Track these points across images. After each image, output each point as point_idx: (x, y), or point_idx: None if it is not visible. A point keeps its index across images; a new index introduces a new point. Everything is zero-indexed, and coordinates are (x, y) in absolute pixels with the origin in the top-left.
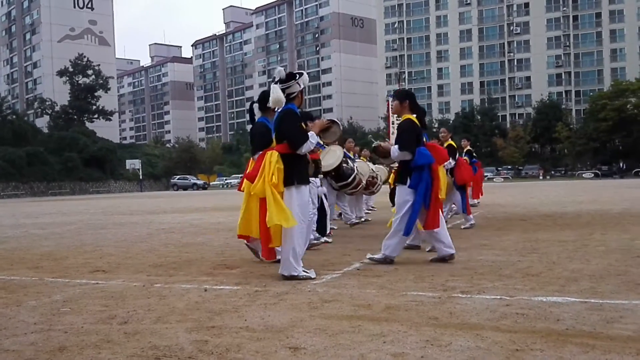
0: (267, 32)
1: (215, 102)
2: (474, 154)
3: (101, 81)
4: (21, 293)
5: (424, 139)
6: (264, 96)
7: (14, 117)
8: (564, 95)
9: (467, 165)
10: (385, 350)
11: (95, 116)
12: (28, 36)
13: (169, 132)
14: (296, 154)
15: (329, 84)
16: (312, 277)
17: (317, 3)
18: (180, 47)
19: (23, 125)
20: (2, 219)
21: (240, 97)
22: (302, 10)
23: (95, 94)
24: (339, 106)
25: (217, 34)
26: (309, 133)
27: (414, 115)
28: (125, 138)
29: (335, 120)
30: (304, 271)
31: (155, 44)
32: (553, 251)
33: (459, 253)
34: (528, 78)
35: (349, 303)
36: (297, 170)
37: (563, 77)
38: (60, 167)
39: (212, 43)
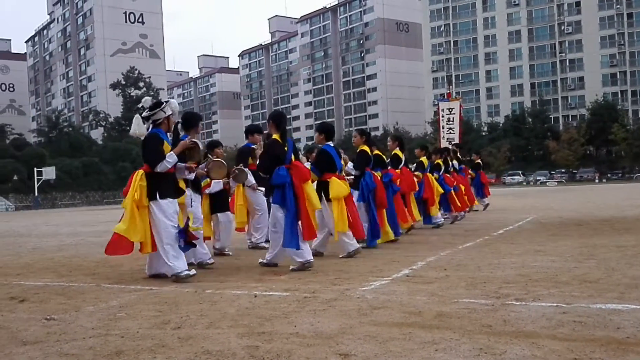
0: (312, 40)
1: (262, 111)
2: (462, 163)
3: (152, 93)
4: (79, 299)
5: (292, 156)
6: (186, 117)
7: (71, 129)
8: (619, 96)
9: (409, 175)
10: (438, 358)
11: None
12: (83, 51)
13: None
14: (159, 172)
15: (374, 89)
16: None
17: (361, 9)
18: (228, 57)
19: (79, 137)
20: (60, 227)
21: (286, 105)
22: (346, 17)
23: None
24: (385, 112)
25: (263, 44)
26: (167, 153)
27: (279, 134)
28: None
29: (196, 141)
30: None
31: (204, 55)
32: (611, 257)
33: (511, 259)
34: (581, 78)
35: (399, 310)
36: (159, 186)
37: (618, 76)
38: (114, 176)
39: (258, 53)
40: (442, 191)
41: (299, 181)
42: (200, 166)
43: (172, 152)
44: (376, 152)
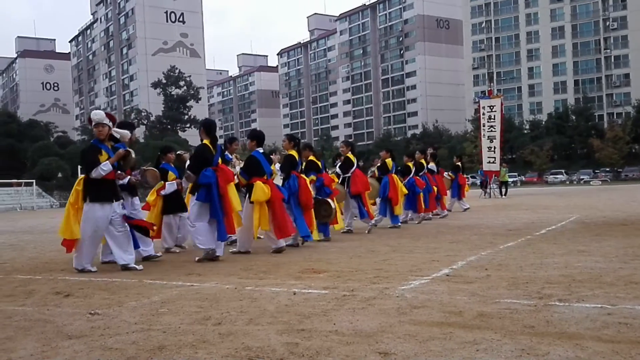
0: (350, 37)
1: (300, 109)
2: (434, 167)
3: (192, 92)
4: (122, 294)
5: (220, 159)
6: (120, 126)
7: None
8: None
9: (362, 177)
10: (479, 358)
11: (187, 125)
12: (125, 50)
13: None
14: (93, 178)
15: (414, 87)
16: (93, 270)
17: (401, 6)
18: (267, 56)
19: None
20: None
21: (325, 104)
22: (385, 14)
23: (187, 104)
24: (424, 109)
25: (302, 42)
26: (102, 162)
27: (209, 140)
28: None
29: (130, 150)
30: (90, 267)
31: (243, 54)
32: None
33: (554, 260)
34: (627, 75)
35: (439, 309)
36: (91, 191)
37: None
38: None
39: (297, 51)
40: (406, 192)
41: (223, 182)
42: (133, 173)
43: (107, 161)
44: (311, 157)
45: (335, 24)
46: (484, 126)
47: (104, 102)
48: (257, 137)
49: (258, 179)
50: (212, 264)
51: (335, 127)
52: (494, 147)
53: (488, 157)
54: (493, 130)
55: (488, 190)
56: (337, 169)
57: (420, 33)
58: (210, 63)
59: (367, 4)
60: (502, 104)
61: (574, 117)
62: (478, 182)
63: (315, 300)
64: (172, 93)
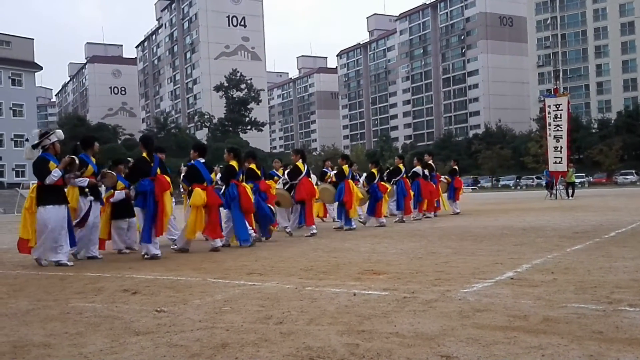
0: (410, 37)
1: (360, 110)
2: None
3: (253, 94)
4: (187, 292)
5: (159, 170)
6: (84, 139)
7: (177, 130)
8: None
9: (307, 184)
10: None
11: (248, 127)
12: (188, 55)
13: (315, 140)
14: (45, 184)
15: (475, 86)
16: (70, 264)
17: (462, 4)
18: (326, 58)
19: (185, 137)
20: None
21: (384, 104)
22: (447, 12)
23: (248, 106)
24: (486, 109)
25: (361, 43)
26: (53, 170)
27: (146, 153)
28: (275, 147)
29: (74, 157)
30: (67, 261)
31: (302, 56)
32: None
33: (624, 263)
34: None
35: (503, 313)
36: (44, 196)
37: None
38: None
39: (357, 52)
40: (362, 196)
41: (159, 190)
42: (97, 178)
43: (56, 168)
44: (251, 165)
45: (395, 24)
46: (549, 125)
47: (168, 105)
48: (199, 148)
49: (198, 185)
50: (273, 264)
51: (395, 128)
52: (561, 147)
53: (554, 157)
54: (559, 129)
55: (554, 191)
56: (285, 176)
57: (483, 31)
58: (270, 65)
59: (427, 2)
60: (568, 103)
61: None
62: (543, 183)
63: (375, 301)
64: (234, 96)
